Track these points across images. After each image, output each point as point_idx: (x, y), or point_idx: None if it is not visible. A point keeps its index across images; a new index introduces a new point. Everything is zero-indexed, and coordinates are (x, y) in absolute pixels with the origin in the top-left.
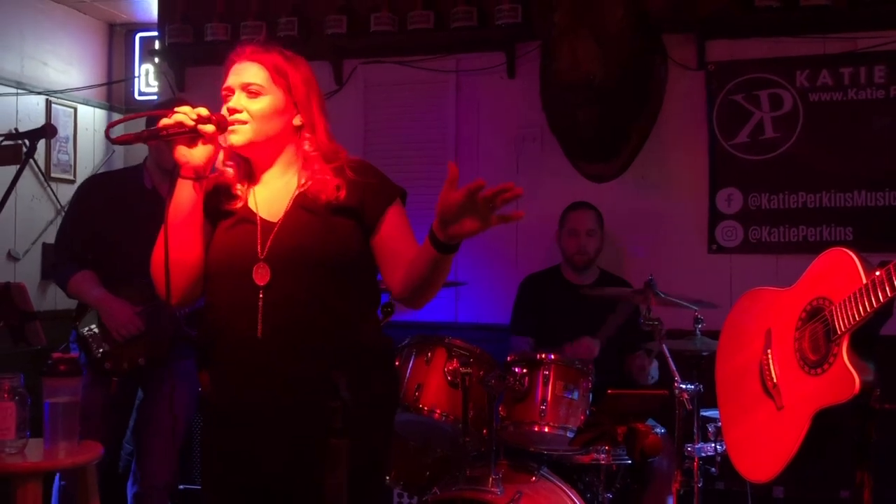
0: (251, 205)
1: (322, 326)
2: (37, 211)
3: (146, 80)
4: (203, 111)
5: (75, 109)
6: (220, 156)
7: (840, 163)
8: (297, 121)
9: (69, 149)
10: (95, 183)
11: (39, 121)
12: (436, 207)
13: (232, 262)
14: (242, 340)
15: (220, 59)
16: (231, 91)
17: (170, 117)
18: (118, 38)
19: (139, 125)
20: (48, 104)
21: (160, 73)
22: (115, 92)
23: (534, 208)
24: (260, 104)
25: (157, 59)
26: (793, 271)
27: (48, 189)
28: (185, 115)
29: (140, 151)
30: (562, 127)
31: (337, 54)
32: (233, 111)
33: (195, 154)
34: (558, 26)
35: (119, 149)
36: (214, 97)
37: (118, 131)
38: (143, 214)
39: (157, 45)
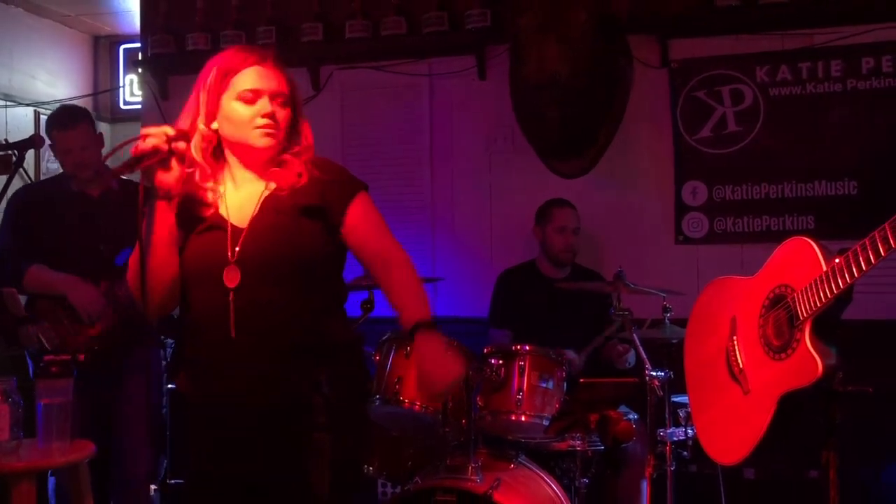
0: (222, 210)
1: (291, 325)
2: None
3: (131, 90)
4: (169, 130)
5: None
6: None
7: (800, 154)
8: (298, 127)
9: None
10: (26, 192)
11: (28, 132)
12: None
13: (204, 266)
14: (217, 342)
15: (200, 67)
16: (259, 94)
17: (143, 140)
18: (103, 50)
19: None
20: (36, 115)
21: (144, 83)
22: (101, 102)
23: (506, 205)
24: (285, 114)
25: (140, 70)
26: (757, 260)
27: None
28: (156, 137)
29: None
30: (531, 126)
31: (313, 61)
32: (268, 116)
33: (172, 176)
34: (526, 29)
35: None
36: None
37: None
38: (72, 217)
39: (140, 55)
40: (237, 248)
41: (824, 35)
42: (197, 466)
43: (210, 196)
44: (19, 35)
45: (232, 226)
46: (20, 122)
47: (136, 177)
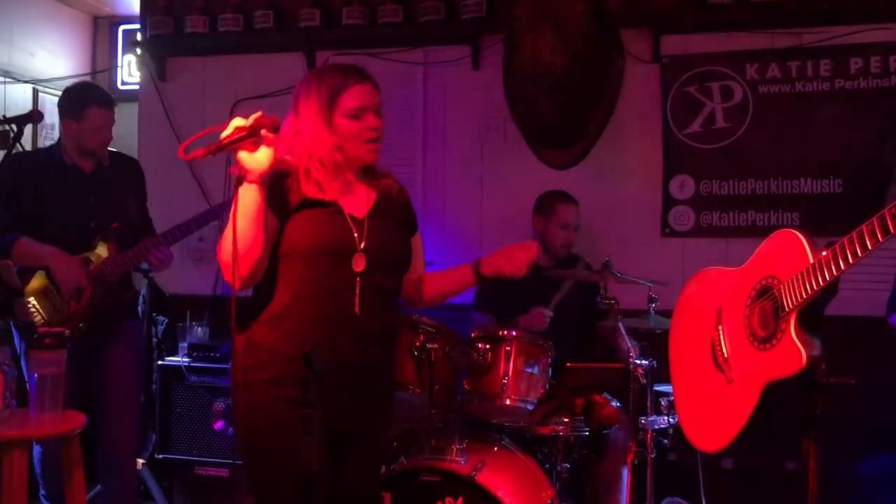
0: (328, 196)
1: (391, 309)
2: None
3: (128, 71)
4: (256, 115)
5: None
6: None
7: (787, 151)
8: None
9: (54, 135)
10: (15, 163)
11: (27, 108)
12: (489, 261)
13: (331, 247)
14: (341, 315)
15: (199, 49)
16: (366, 110)
17: (226, 129)
18: (102, 30)
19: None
20: (35, 93)
21: (142, 64)
22: (99, 81)
23: (496, 193)
24: (383, 123)
25: (138, 50)
26: (742, 254)
27: None
28: (239, 121)
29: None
30: (523, 116)
31: (310, 46)
32: (378, 130)
33: (257, 158)
34: (521, 20)
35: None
36: (194, 86)
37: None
38: (67, 189)
39: (139, 36)
40: (363, 239)
41: (814, 35)
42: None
43: (309, 177)
44: (19, 13)
45: (351, 215)
46: (19, 99)
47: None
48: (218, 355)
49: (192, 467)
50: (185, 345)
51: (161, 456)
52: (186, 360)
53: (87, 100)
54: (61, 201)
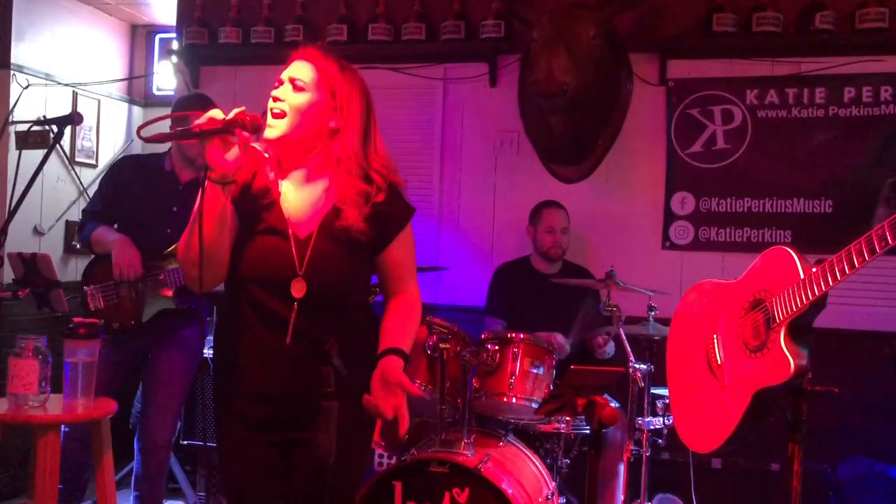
0: (284, 209)
1: (335, 332)
2: (61, 192)
3: (164, 78)
4: (239, 110)
5: (99, 101)
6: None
7: (782, 173)
8: (332, 124)
9: (92, 137)
10: (126, 161)
11: (66, 111)
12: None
13: (270, 270)
14: (270, 342)
15: (232, 59)
16: (281, 82)
17: (201, 118)
18: (139, 38)
19: (165, 126)
20: (74, 96)
21: (177, 71)
22: (135, 87)
23: (509, 204)
24: (300, 99)
25: (174, 58)
26: (737, 267)
27: (72, 172)
28: (216, 113)
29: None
30: (537, 132)
31: None
32: (276, 99)
33: (226, 157)
34: (537, 41)
35: (137, 139)
36: (226, 94)
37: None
38: (157, 193)
39: (174, 45)
40: (304, 264)
41: (811, 64)
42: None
43: (269, 188)
44: (61, 20)
45: (295, 236)
46: (59, 102)
47: None
48: None
49: (214, 453)
50: (211, 338)
51: (185, 441)
52: (211, 352)
53: (196, 107)
54: (147, 204)
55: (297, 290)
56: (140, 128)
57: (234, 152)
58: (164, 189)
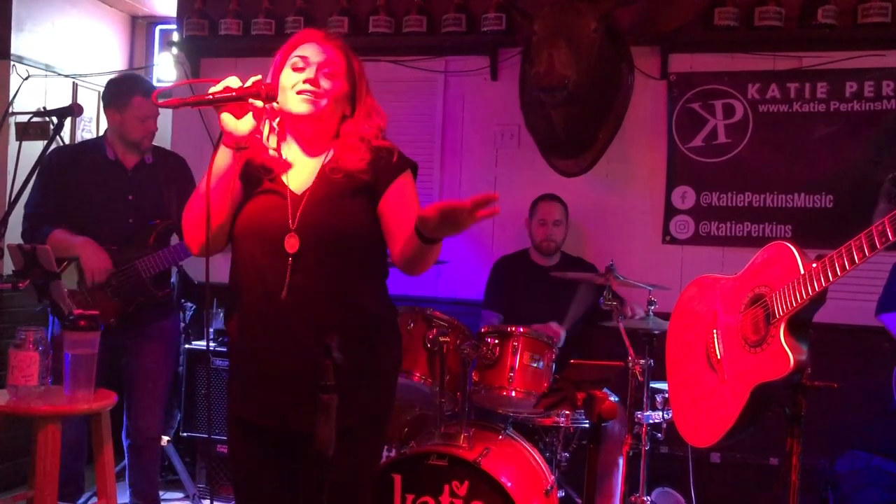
0: (283, 178)
1: (336, 293)
2: None
3: (164, 69)
4: (255, 79)
5: (99, 93)
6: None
7: (783, 167)
8: (346, 111)
9: (92, 128)
10: (59, 155)
11: (66, 102)
12: (425, 211)
13: (265, 229)
14: (268, 299)
15: (232, 51)
16: (307, 63)
17: (217, 84)
18: (140, 29)
19: (185, 92)
20: (74, 87)
21: (177, 63)
22: None
23: (509, 198)
24: (333, 86)
25: (174, 50)
26: (737, 262)
27: None
28: (233, 81)
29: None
30: (537, 126)
31: None
32: (312, 82)
33: (239, 125)
34: (538, 34)
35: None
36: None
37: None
38: (106, 183)
39: (175, 37)
40: (297, 217)
41: (813, 58)
42: (235, 412)
43: (273, 156)
44: (62, 11)
45: (291, 193)
46: (59, 93)
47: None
48: None
49: (214, 445)
50: (212, 330)
51: (185, 434)
52: (212, 344)
53: (131, 89)
54: (101, 197)
55: (291, 245)
56: (156, 93)
57: (247, 120)
58: (114, 178)
